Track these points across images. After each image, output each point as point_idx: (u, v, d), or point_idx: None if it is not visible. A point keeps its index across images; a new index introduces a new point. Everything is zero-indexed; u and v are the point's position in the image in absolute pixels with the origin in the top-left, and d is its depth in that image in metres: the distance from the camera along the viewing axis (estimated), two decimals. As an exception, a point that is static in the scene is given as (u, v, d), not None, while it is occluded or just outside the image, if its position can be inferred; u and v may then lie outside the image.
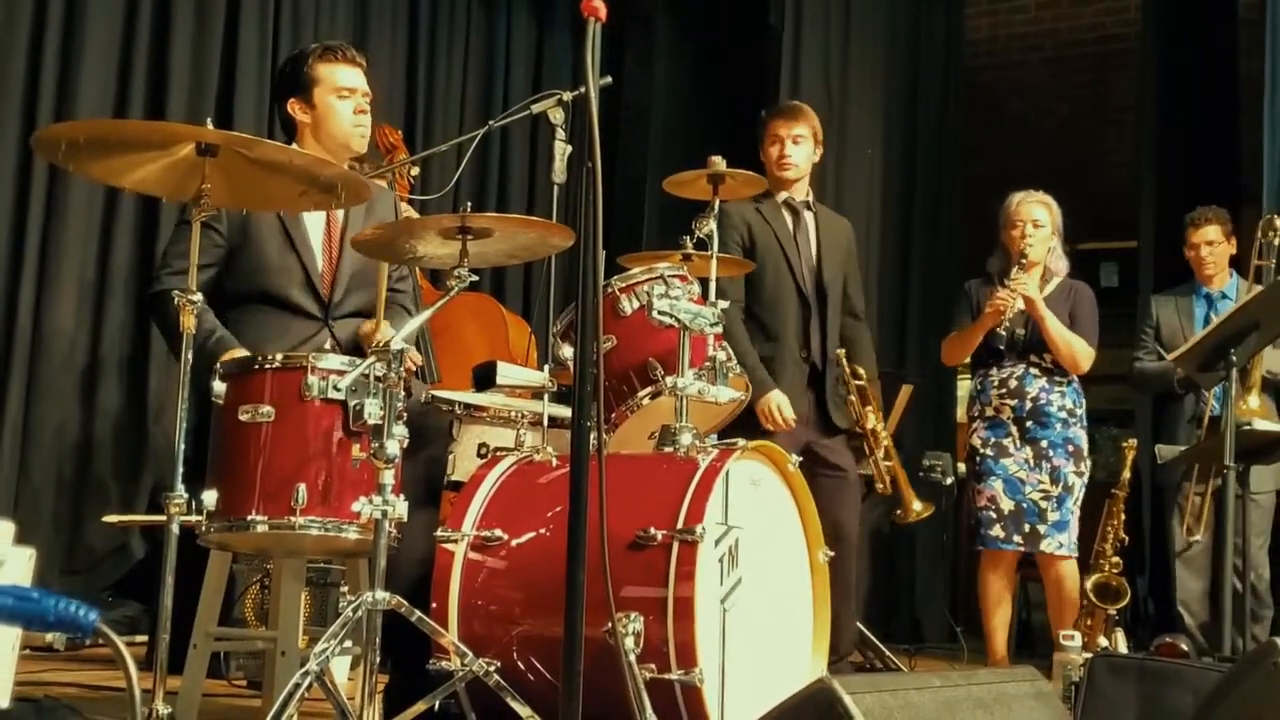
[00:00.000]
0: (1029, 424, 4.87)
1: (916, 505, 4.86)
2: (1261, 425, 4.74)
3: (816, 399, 4.54)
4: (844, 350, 4.63)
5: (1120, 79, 8.08)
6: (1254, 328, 4.28)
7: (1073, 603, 4.85)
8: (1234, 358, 4.18)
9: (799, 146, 4.58)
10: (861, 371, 4.62)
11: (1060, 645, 4.04)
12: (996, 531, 4.84)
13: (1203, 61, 7.11)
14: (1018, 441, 4.87)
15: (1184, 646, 3.98)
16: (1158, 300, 5.56)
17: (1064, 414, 4.88)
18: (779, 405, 4.34)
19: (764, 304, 4.51)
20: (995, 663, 4.87)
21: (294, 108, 3.47)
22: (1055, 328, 4.85)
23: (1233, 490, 4.32)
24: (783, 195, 4.61)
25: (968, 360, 5.13)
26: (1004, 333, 4.89)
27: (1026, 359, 4.92)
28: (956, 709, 2.27)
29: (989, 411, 4.93)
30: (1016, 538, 4.83)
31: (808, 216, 4.65)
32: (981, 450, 4.91)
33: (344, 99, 3.49)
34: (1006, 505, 4.82)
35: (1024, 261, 4.86)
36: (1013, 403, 4.89)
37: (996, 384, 4.93)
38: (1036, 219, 4.93)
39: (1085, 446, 4.91)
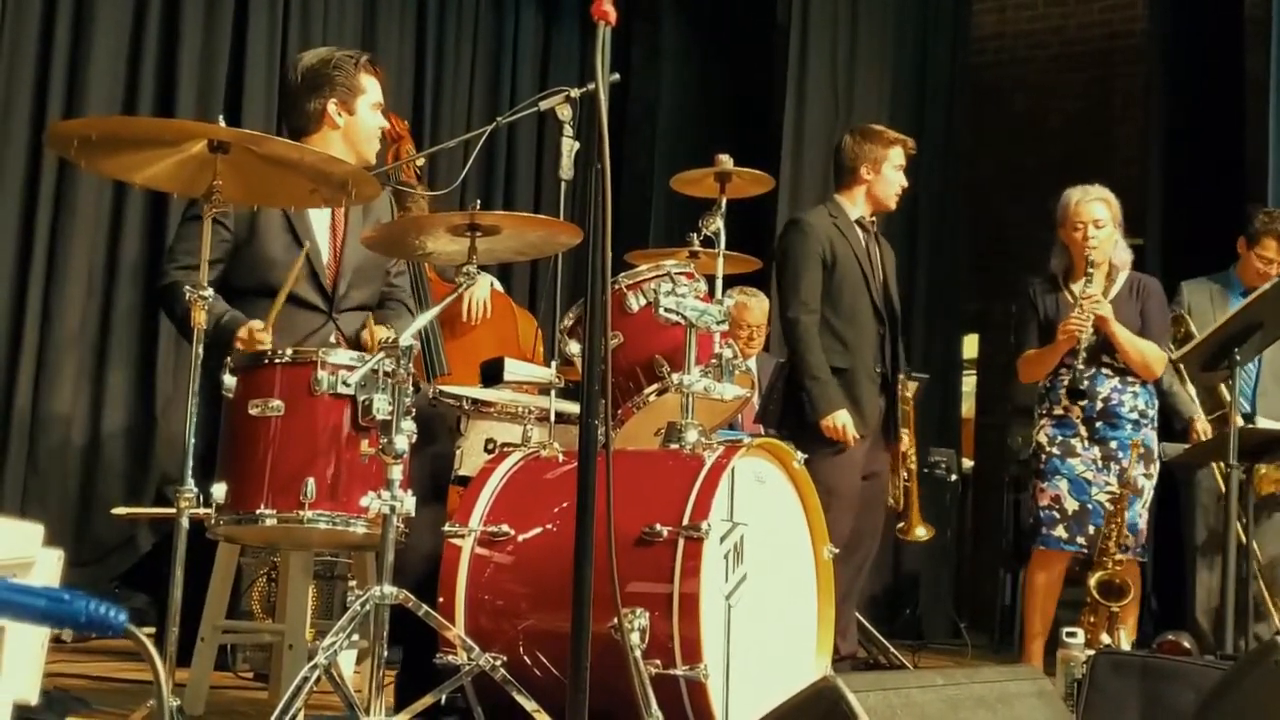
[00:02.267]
0: (1098, 424, 4.73)
1: (920, 530, 4.83)
2: (1264, 424, 4.76)
3: (887, 409, 4.61)
4: None
5: (1127, 75, 8.07)
6: (1258, 327, 4.29)
7: (1132, 607, 4.69)
8: (1238, 357, 4.20)
9: (900, 174, 4.66)
10: (909, 395, 4.64)
11: (1065, 643, 4.04)
12: (1060, 532, 4.71)
13: (1209, 58, 7.10)
14: (1085, 442, 4.73)
15: (1186, 644, 3.97)
16: (1190, 286, 5.36)
17: (1135, 415, 4.73)
18: (845, 424, 4.40)
19: (842, 317, 4.54)
20: (1028, 662, 4.80)
21: (335, 108, 3.46)
22: (1127, 341, 4.68)
23: (1235, 489, 4.33)
24: (856, 213, 4.63)
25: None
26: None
27: (1098, 360, 4.73)
28: (959, 707, 2.28)
29: (1057, 410, 4.77)
30: (1080, 539, 4.69)
31: (873, 237, 4.70)
32: (1048, 448, 4.77)
33: (375, 112, 3.53)
34: (1071, 505, 4.69)
35: (1091, 271, 4.69)
36: (1083, 403, 4.70)
37: (1067, 384, 4.72)
38: (1098, 218, 4.72)
39: (1156, 448, 4.77)
